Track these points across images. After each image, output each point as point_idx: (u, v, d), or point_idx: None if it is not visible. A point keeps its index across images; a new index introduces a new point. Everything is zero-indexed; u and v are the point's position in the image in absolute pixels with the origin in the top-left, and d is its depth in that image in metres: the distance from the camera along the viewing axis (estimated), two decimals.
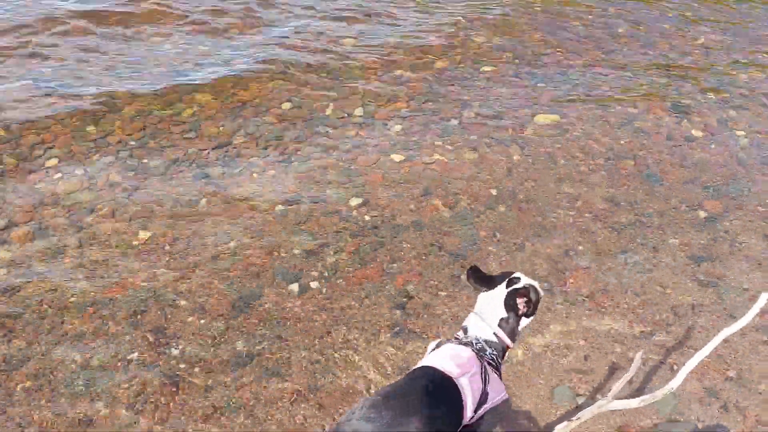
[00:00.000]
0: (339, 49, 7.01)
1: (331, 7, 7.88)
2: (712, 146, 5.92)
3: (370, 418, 2.38)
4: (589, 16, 8.16)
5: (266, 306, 4.03)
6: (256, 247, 4.45)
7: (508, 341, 2.83)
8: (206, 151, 5.35)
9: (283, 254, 4.41)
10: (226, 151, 5.38)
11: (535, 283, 2.95)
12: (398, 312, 4.04)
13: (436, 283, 4.27)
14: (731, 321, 3.43)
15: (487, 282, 2.88)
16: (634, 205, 5.10)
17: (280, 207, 4.82)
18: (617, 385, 3.32)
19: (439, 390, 2.55)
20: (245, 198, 4.90)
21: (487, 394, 2.70)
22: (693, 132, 6.08)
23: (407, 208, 4.89)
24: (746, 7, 8.93)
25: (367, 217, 4.78)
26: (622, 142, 5.85)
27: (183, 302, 4.02)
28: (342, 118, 5.92)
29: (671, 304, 4.26)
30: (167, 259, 4.32)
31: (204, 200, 4.85)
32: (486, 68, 6.84)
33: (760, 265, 4.62)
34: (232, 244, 4.48)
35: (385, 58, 6.90)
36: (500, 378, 2.81)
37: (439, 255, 4.48)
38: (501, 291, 2.84)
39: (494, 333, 2.80)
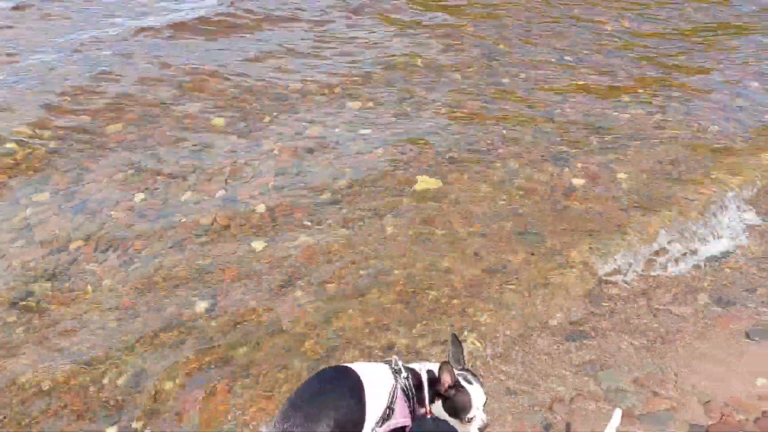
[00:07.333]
0: None
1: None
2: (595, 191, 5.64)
3: (287, 417, 2.67)
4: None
5: None
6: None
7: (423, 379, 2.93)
8: None
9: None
10: None
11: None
12: None
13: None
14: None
15: None
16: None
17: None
18: None
19: (350, 389, 2.79)
20: None
21: (393, 410, 2.82)
22: (574, 181, 5.78)
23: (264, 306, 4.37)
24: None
25: (213, 323, 4.22)
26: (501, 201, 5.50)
27: None
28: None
29: (551, 393, 3.86)
30: None
31: None
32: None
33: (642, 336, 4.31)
34: None
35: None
36: (409, 407, 2.89)
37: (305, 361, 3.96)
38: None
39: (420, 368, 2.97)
